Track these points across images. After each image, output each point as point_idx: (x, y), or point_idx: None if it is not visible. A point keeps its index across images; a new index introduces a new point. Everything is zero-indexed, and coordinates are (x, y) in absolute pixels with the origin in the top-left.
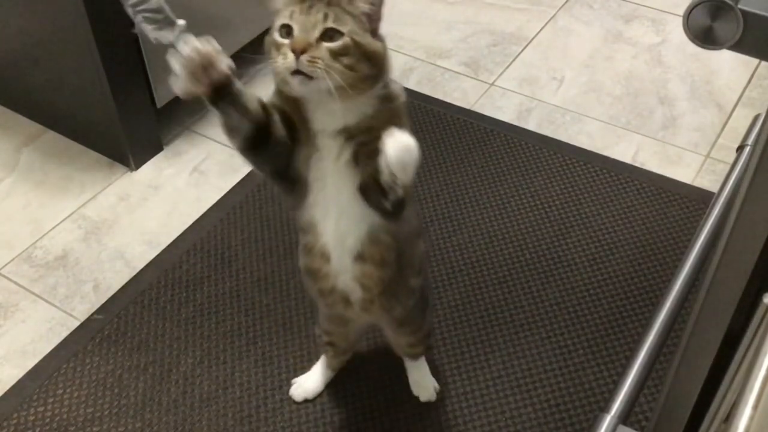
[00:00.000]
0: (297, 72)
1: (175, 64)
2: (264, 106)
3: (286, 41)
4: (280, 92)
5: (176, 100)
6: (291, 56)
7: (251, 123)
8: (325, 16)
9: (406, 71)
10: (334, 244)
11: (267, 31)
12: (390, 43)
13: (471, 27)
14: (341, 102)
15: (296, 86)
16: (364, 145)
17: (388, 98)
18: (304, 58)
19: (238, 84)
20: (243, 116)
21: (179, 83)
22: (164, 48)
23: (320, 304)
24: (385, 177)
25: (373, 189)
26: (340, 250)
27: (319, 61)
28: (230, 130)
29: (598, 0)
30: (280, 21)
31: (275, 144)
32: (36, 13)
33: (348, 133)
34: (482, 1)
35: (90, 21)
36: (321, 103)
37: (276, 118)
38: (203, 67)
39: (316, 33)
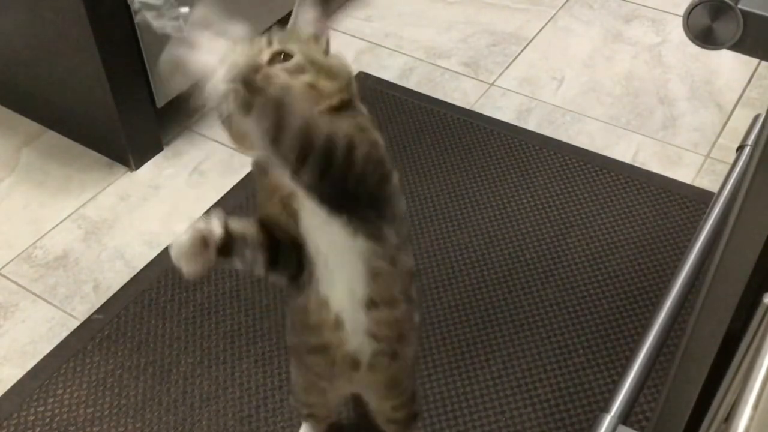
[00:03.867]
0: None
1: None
2: (262, 224)
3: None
4: (258, 179)
5: (176, 100)
6: (243, 88)
7: (263, 247)
8: (269, 42)
9: (406, 71)
10: (346, 305)
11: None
12: (390, 43)
13: (471, 27)
14: None
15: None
16: None
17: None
18: (258, 78)
19: (234, 225)
20: (253, 250)
21: (185, 270)
22: (164, 47)
23: (312, 377)
24: None
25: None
26: (351, 307)
27: (276, 80)
28: (253, 266)
29: (598, 0)
30: (223, 68)
31: (285, 250)
32: (36, 13)
33: None
34: (482, 1)
35: (90, 21)
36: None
37: (272, 226)
38: (199, 248)
39: (265, 57)
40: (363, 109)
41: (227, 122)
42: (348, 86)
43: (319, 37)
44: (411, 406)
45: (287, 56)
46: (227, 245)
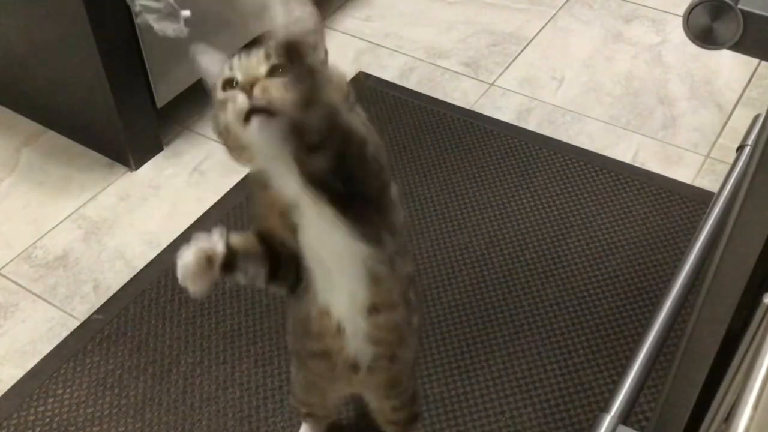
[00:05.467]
0: (252, 113)
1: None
2: (260, 236)
3: (231, 92)
4: (256, 194)
5: (176, 100)
6: (241, 97)
7: (264, 260)
8: (267, 55)
9: (406, 71)
10: (348, 311)
11: None
12: (390, 43)
13: (471, 27)
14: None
15: (255, 133)
16: None
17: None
18: (257, 91)
19: (235, 241)
20: (255, 264)
21: (192, 290)
22: (164, 47)
23: (312, 378)
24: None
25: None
26: (353, 314)
27: (274, 93)
28: (255, 280)
29: (598, 0)
30: (220, 81)
31: (285, 262)
32: (36, 14)
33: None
34: (482, 1)
35: (90, 21)
36: (284, 163)
37: (271, 239)
38: (204, 268)
39: (263, 70)
40: (362, 114)
41: (224, 133)
42: (345, 98)
43: (317, 49)
44: (411, 407)
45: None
46: (230, 261)
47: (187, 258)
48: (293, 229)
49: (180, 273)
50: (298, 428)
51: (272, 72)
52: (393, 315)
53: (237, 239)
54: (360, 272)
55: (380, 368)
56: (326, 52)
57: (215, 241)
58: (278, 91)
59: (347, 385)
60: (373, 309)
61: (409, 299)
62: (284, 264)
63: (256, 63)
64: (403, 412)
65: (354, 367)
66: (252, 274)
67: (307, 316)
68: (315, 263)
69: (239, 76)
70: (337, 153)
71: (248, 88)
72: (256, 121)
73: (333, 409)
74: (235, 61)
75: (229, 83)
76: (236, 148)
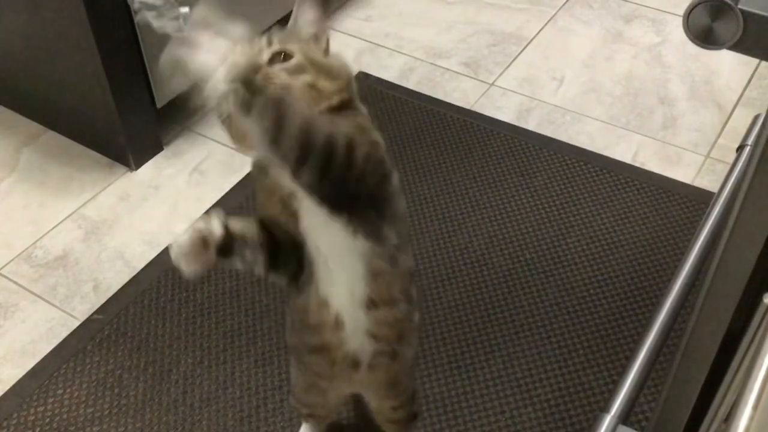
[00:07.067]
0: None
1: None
2: (262, 223)
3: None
4: (257, 179)
5: (176, 100)
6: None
7: (263, 247)
8: (270, 42)
9: (406, 71)
10: (347, 306)
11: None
12: (390, 43)
13: (471, 27)
14: None
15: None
16: None
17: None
18: (258, 78)
19: (234, 226)
20: (253, 250)
21: (185, 270)
22: (164, 47)
23: (312, 377)
24: None
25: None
26: (352, 308)
27: (276, 80)
28: (254, 266)
29: (598, 0)
30: (223, 69)
31: (285, 250)
32: (36, 13)
33: None
34: (482, 1)
35: (90, 21)
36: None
37: (272, 226)
38: (199, 249)
39: (265, 57)
40: (363, 108)
41: (227, 122)
42: (348, 86)
43: (320, 37)
44: (411, 406)
45: (287, 56)
46: (227, 245)
47: (181, 238)
48: (294, 215)
49: (173, 252)
50: (298, 428)
51: (274, 60)
52: (393, 311)
53: (236, 224)
54: (358, 266)
55: (381, 366)
56: (328, 42)
57: (213, 224)
58: (280, 80)
59: (347, 384)
60: (371, 303)
61: (411, 295)
62: (285, 252)
63: (258, 51)
64: (403, 411)
65: (354, 363)
66: (250, 260)
67: (306, 307)
68: (315, 253)
69: (242, 65)
70: (321, 165)
71: (250, 79)
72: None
73: (334, 409)
74: (236, 51)
75: (232, 71)
76: (238, 137)
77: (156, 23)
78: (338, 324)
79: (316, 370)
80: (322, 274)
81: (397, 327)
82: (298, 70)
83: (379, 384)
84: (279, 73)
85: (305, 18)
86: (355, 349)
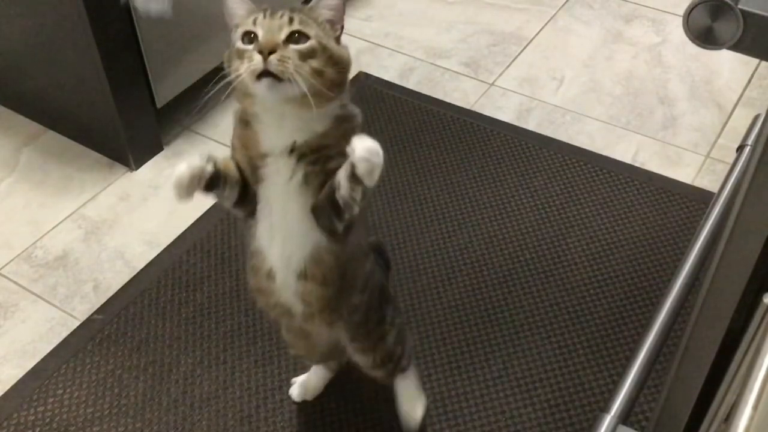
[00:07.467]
0: (264, 75)
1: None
2: (238, 166)
3: (250, 47)
4: (237, 126)
5: (176, 100)
6: (258, 58)
7: (238, 186)
8: (291, 20)
9: (406, 71)
10: (280, 266)
11: None
12: (390, 43)
13: (471, 27)
14: (304, 111)
15: (262, 92)
16: (316, 164)
17: (344, 119)
18: (273, 57)
19: (221, 165)
20: (231, 188)
21: (177, 197)
22: (164, 47)
23: (270, 316)
24: (342, 192)
25: (326, 210)
26: (285, 270)
27: (289, 61)
28: (225, 200)
29: (598, 0)
30: (242, 29)
31: (250, 190)
32: (36, 13)
33: (300, 153)
34: (482, 1)
35: (90, 21)
36: (275, 118)
37: (240, 168)
38: (194, 181)
39: (283, 35)
40: (355, 108)
41: (235, 76)
42: (345, 81)
43: (335, 25)
44: (389, 364)
45: (303, 37)
46: (213, 181)
47: (182, 170)
48: (258, 175)
49: (174, 181)
50: (298, 428)
51: (290, 38)
52: (324, 290)
53: (222, 163)
54: (304, 247)
55: (315, 325)
56: (342, 30)
57: (206, 161)
58: (292, 63)
59: (301, 338)
60: (303, 276)
61: (354, 283)
62: (250, 192)
63: (278, 27)
64: (379, 371)
65: (288, 313)
66: (227, 195)
67: (251, 248)
68: (266, 210)
69: (260, 34)
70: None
71: (266, 53)
72: (266, 83)
73: (323, 355)
74: (260, 17)
75: (248, 35)
76: (241, 93)
77: (140, 5)
78: (270, 275)
79: (266, 311)
80: (264, 230)
81: (324, 302)
82: (310, 54)
83: (331, 339)
84: (293, 55)
85: (326, 2)
86: (286, 303)
